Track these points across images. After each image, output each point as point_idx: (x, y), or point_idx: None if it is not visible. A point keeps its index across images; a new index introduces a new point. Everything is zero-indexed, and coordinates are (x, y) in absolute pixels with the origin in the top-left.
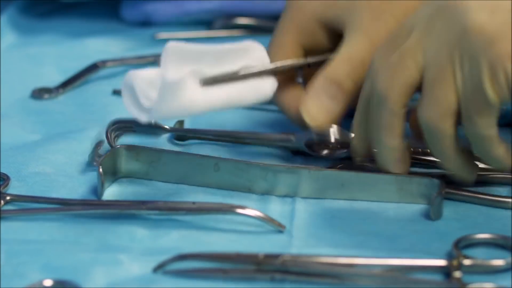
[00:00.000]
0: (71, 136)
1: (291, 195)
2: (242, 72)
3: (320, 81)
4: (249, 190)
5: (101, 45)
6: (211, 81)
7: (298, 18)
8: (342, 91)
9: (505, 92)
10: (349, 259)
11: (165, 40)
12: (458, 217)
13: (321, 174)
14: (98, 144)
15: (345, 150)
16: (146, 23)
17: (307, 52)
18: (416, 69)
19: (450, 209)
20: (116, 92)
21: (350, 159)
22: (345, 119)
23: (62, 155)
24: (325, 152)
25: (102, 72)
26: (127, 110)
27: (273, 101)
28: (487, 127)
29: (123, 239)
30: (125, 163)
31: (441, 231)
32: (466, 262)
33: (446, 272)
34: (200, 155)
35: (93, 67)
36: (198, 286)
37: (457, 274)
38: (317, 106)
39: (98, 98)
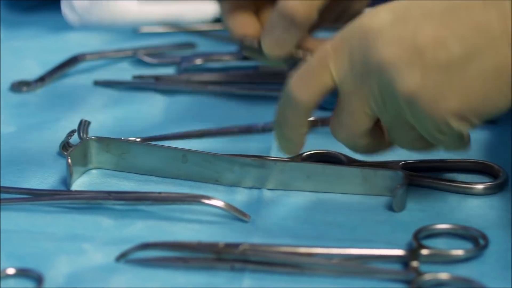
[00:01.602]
0: (45, 127)
1: (258, 186)
2: None
3: (274, 16)
4: (216, 182)
5: (83, 39)
6: None
7: None
8: (294, 25)
9: (452, 133)
10: (308, 248)
11: (147, 34)
12: (422, 207)
13: (287, 166)
14: (70, 134)
15: None
16: None
17: None
18: (330, 76)
19: (414, 200)
20: (98, 83)
21: None
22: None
23: (35, 145)
24: None
25: (81, 65)
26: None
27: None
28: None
29: (89, 229)
30: (96, 155)
31: (404, 221)
32: (424, 252)
33: (404, 262)
34: (169, 147)
35: (72, 60)
36: (159, 275)
37: (415, 263)
38: (273, 40)
39: (77, 90)
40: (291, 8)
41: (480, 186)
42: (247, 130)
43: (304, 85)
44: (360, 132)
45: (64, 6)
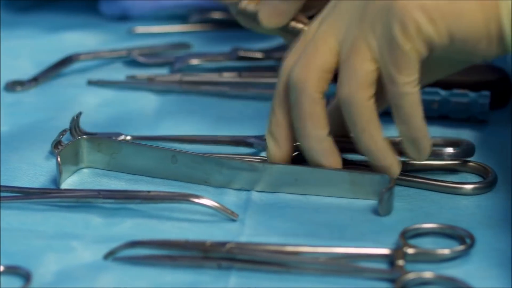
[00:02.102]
0: (38, 126)
1: (247, 188)
2: None
3: None
4: (205, 183)
5: (78, 39)
6: None
7: None
8: None
9: (418, 41)
10: (295, 247)
11: (141, 34)
12: (410, 207)
13: (275, 168)
14: (62, 132)
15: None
16: (123, 17)
17: None
18: (330, 53)
19: (403, 200)
20: (91, 83)
21: None
22: None
23: (27, 144)
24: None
25: (76, 65)
26: None
27: None
28: (408, 85)
29: (78, 227)
30: (87, 154)
31: (392, 221)
32: (410, 251)
33: (390, 260)
34: (158, 147)
35: (66, 60)
36: (147, 273)
37: (400, 262)
38: (272, 9)
39: (70, 90)
40: None
41: (469, 186)
42: (240, 142)
43: (307, 69)
44: (363, 81)
45: None
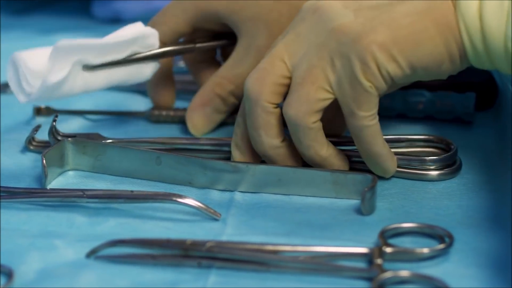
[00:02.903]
0: (26, 128)
1: (231, 189)
2: (124, 59)
3: (206, 92)
4: (189, 184)
5: None
6: (92, 68)
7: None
8: (225, 104)
9: (378, 80)
10: (274, 246)
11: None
12: (391, 207)
13: (258, 169)
14: (35, 129)
15: None
16: (116, 20)
17: (196, 30)
18: (285, 69)
19: (384, 199)
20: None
21: None
22: None
23: (16, 145)
24: None
25: None
26: (10, 84)
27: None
28: (368, 118)
29: (62, 226)
30: (72, 156)
31: (373, 221)
32: (388, 250)
33: (369, 259)
34: (143, 149)
35: None
36: (128, 271)
37: (379, 261)
38: (201, 117)
39: None
40: (225, 90)
41: (434, 172)
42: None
43: (262, 82)
44: (313, 108)
45: (11, 82)
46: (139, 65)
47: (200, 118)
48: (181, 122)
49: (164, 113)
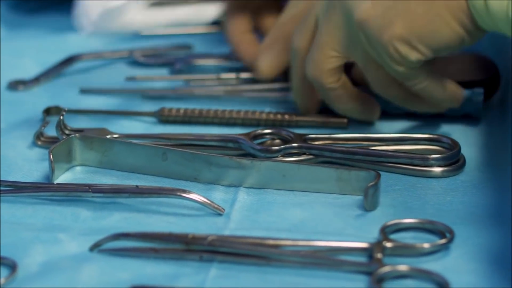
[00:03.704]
0: (36, 124)
1: (236, 185)
2: None
3: (273, 34)
4: (195, 180)
5: (83, 40)
6: (153, 4)
7: None
8: (288, 46)
9: (407, 64)
10: (275, 240)
11: (146, 36)
12: (395, 203)
13: (263, 165)
14: (43, 124)
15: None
16: None
17: None
18: (337, 55)
19: (388, 196)
20: (84, 91)
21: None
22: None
23: (25, 141)
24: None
25: (78, 65)
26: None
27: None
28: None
29: (67, 220)
30: (80, 152)
31: (375, 217)
32: (388, 244)
33: (369, 254)
34: (149, 145)
35: (68, 60)
36: (130, 264)
37: (379, 255)
38: (270, 57)
39: (71, 90)
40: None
41: (438, 169)
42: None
43: (320, 71)
44: (327, 70)
45: (77, 14)
46: (200, 6)
47: (268, 59)
48: (190, 122)
49: (173, 112)
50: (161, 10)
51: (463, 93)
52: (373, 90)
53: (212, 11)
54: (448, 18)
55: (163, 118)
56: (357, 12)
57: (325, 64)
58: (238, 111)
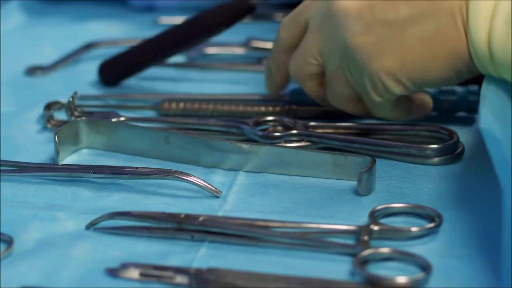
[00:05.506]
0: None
1: (236, 169)
2: None
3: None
4: (196, 163)
5: (103, 29)
6: None
7: None
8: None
9: (386, 96)
10: (265, 222)
11: (166, 25)
12: (390, 188)
13: (262, 149)
14: (54, 107)
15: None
16: (150, 8)
17: None
18: (317, 63)
19: (383, 181)
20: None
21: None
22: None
23: (35, 125)
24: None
25: (95, 52)
26: None
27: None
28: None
29: (68, 199)
30: (87, 135)
31: (369, 201)
32: (375, 227)
33: (357, 237)
34: (153, 128)
35: (86, 48)
36: (123, 242)
37: (365, 238)
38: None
39: (86, 76)
40: None
41: (436, 159)
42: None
43: (300, 74)
44: (307, 74)
45: None
46: None
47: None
48: (190, 115)
49: (174, 105)
50: None
51: (430, 104)
52: (329, 102)
53: None
54: (443, 63)
55: (163, 111)
56: (349, 35)
57: (306, 69)
58: (238, 105)
